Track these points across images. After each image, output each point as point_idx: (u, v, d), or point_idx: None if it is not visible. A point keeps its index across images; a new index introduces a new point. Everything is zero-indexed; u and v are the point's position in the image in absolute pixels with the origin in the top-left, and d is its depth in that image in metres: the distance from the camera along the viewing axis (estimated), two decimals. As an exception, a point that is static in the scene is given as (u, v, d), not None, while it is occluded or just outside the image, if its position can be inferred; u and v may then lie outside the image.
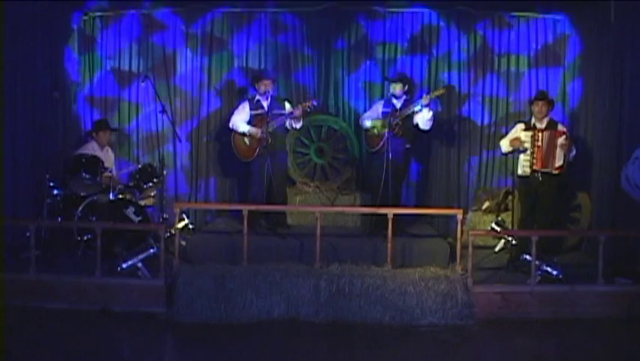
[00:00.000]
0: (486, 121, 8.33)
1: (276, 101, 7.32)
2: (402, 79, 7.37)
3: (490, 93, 8.31)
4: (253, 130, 7.18)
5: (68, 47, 8.04)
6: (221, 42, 8.34)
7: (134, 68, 8.33)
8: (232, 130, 7.36)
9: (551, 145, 6.69)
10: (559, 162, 6.69)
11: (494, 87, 8.31)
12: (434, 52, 8.28)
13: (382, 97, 7.85)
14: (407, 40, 8.30)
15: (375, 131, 7.19)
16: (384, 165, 6.82)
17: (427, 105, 7.03)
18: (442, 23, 8.27)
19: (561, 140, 6.67)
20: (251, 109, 7.32)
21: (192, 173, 8.41)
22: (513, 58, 8.29)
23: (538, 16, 8.17)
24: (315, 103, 7.26)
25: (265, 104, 7.22)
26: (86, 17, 8.20)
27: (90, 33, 8.30)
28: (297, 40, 8.32)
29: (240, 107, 7.44)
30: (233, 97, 8.28)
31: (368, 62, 8.35)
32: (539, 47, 8.24)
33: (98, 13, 8.24)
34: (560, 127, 6.87)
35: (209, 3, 8.12)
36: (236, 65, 8.36)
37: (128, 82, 8.36)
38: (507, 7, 8.09)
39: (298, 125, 7.37)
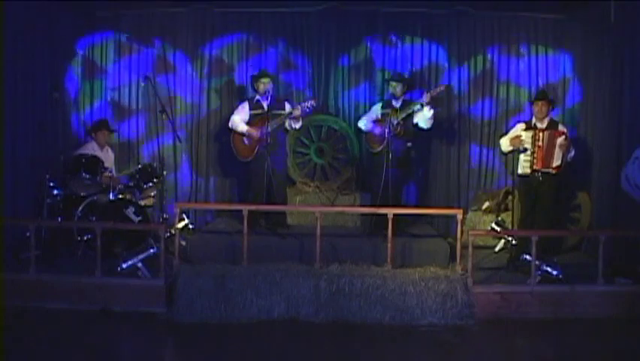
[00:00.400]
0: (486, 120, 8.34)
1: (276, 101, 7.32)
2: (402, 79, 7.37)
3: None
4: (252, 130, 7.18)
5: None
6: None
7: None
8: (231, 130, 7.37)
9: (551, 145, 6.70)
10: (557, 162, 6.70)
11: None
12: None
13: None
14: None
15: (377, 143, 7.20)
16: (385, 165, 6.82)
17: (429, 104, 7.03)
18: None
19: (560, 140, 6.67)
20: (250, 109, 7.32)
21: (192, 173, 8.41)
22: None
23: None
24: (314, 104, 7.25)
25: (265, 104, 7.22)
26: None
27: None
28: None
29: (240, 107, 7.44)
30: (233, 98, 8.29)
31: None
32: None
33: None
34: (561, 127, 6.87)
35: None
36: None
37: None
38: (508, 6, 8.09)
39: (297, 126, 7.37)
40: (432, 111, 7.11)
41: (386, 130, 6.95)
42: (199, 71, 8.35)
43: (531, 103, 7.03)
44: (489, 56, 8.31)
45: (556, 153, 6.68)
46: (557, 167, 6.71)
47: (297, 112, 7.15)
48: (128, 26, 8.28)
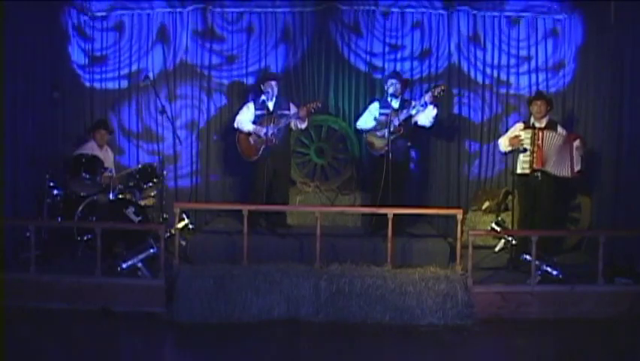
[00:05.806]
0: (486, 120, 8.34)
1: (281, 102, 7.32)
2: (400, 77, 7.35)
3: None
4: (258, 128, 7.17)
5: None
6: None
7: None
8: (237, 129, 7.36)
9: (565, 149, 6.65)
10: (577, 167, 6.65)
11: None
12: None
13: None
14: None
15: (377, 143, 7.17)
16: (385, 165, 6.81)
17: (432, 103, 7.03)
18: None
19: (577, 143, 6.65)
20: (256, 109, 7.31)
21: (193, 173, 8.40)
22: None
23: None
24: (319, 105, 7.24)
25: (270, 104, 7.23)
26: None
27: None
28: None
29: (245, 107, 7.44)
30: (235, 98, 8.28)
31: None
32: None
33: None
34: (560, 128, 6.87)
35: None
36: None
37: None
38: (507, 6, 8.09)
39: (303, 126, 7.38)
40: (435, 110, 7.10)
41: (386, 131, 6.94)
42: (199, 71, 8.34)
43: (530, 103, 7.03)
44: (489, 55, 8.30)
45: (575, 157, 6.63)
46: (579, 172, 6.66)
47: (303, 112, 7.15)
48: (128, 27, 8.26)
